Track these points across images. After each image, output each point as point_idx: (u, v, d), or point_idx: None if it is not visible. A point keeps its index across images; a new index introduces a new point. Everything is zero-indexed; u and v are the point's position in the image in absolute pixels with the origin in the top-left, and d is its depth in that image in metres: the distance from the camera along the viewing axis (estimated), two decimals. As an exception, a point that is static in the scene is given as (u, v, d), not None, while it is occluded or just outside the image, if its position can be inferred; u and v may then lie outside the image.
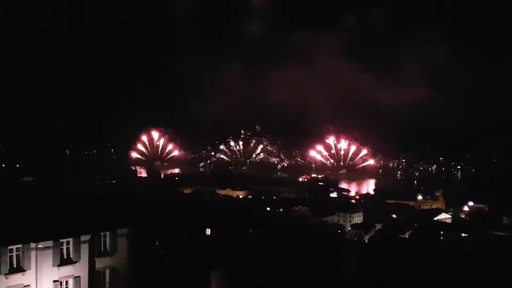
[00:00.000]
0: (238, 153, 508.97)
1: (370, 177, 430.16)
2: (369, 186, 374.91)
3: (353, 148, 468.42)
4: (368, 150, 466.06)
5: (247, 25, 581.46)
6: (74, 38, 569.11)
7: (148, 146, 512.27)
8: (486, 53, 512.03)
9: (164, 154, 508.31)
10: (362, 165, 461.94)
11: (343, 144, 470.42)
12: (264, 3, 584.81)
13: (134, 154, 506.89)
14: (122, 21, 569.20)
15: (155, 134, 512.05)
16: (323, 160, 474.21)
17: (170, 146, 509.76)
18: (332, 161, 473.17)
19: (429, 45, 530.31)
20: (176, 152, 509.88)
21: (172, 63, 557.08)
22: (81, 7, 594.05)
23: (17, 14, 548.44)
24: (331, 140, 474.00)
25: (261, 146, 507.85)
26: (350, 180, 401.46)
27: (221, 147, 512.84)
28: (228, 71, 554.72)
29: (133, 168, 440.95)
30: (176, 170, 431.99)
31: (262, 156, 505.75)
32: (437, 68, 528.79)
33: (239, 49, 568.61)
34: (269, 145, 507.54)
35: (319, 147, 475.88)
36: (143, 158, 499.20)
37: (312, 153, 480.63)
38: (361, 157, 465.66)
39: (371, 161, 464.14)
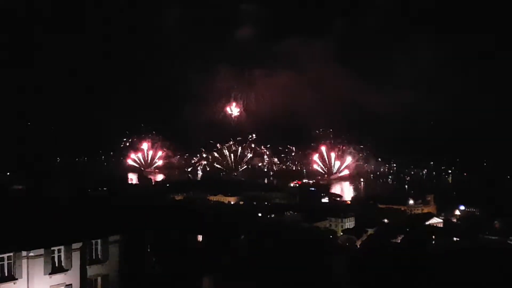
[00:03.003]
0: (229, 158, 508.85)
1: (361, 181, 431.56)
2: (360, 191, 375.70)
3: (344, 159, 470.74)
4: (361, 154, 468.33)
5: (237, 30, 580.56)
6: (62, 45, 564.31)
7: (139, 152, 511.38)
8: (477, 58, 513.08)
9: (155, 161, 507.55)
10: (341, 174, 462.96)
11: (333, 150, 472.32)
12: (255, 9, 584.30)
13: (126, 161, 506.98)
14: (111, 25, 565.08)
15: (146, 139, 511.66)
16: (319, 169, 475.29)
17: (160, 152, 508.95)
18: (321, 167, 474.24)
19: (419, 50, 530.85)
20: (167, 158, 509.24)
21: (163, 67, 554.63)
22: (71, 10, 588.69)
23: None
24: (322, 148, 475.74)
25: (252, 152, 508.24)
26: (341, 185, 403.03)
27: (212, 152, 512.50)
28: (218, 76, 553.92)
29: (124, 174, 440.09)
30: (167, 177, 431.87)
31: (254, 162, 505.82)
32: (427, 73, 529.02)
33: (229, 54, 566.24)
34: (261, 150, 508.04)
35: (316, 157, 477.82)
36: (134, 165, 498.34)
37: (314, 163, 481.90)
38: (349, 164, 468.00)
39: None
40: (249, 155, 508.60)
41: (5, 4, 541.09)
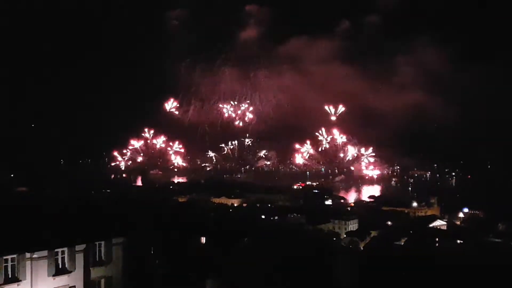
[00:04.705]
0: (233, 160, 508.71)
1: (365, 184, 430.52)
2: (363, 193, 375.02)
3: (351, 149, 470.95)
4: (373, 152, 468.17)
5: (242, 30, 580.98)
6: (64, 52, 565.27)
7: (143, 154, 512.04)
8: (482, 60, 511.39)
9: (159, 162, 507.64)
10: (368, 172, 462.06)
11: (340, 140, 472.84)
12: (259, 9, 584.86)
13: (128, 163, 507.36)
14: (113, 26, 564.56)
15: (150, 141, 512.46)
16: (306, 163, 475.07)
17: (166, 154, 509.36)
18: (323, 168, 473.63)
19: (425, 52, 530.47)
20: (171, 160, 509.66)
21: (167, 67, 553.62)
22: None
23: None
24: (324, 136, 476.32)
25: (256, 154, 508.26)
26: (345, 187, 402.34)
27: (216, 154, 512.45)
28: (223, 76, 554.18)
29: (128, 176, 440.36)
30: (171, 178, 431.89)
31: (258, 164, 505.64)
32: (432, 75, 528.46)
33: (234, 54, 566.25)
34: (265, 152, 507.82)
35: (308, 147, 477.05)
36: (139, 166, 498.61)
37: (298, 159, 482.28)
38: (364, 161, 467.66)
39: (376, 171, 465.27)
40: (253, 157, 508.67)
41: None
